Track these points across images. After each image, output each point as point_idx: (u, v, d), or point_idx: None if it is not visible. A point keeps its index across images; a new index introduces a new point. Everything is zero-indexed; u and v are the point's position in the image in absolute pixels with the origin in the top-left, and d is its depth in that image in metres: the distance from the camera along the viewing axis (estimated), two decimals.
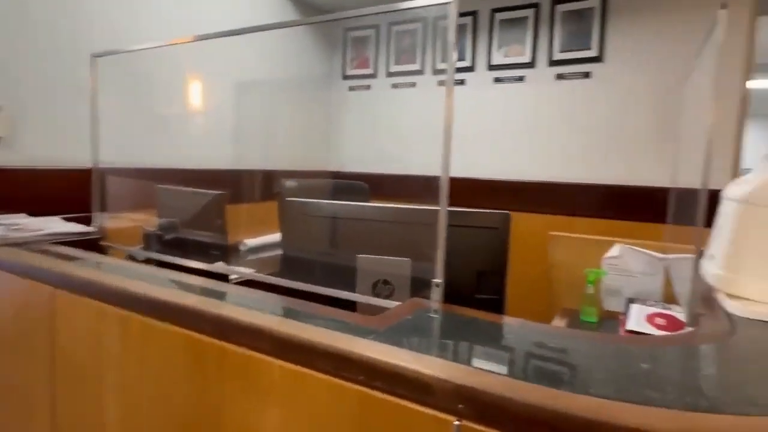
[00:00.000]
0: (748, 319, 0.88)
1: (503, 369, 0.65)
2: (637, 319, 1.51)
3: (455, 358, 0.68)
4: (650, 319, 1.53)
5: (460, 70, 2.84)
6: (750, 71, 2.24)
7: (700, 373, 0.69)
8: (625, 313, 1.52)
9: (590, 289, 1.60)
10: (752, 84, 2.27)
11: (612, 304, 1.66)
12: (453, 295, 0.95)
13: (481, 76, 2.81)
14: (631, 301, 1.55)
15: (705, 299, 1.00)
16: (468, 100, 2.83)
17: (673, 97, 2.29)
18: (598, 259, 1.65)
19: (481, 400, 0.58)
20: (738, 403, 0.57)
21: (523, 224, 2.45)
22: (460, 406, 0.59)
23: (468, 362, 0.66)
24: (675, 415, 0.51)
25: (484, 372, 0.62)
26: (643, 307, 1.54)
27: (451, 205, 0.93)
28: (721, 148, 2.16)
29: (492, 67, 2.79)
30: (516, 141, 2.72)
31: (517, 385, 0.59)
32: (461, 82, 2.84)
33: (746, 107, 2.21)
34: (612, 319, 1.65)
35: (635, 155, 2.40)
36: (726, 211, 1.01)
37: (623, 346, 0.74)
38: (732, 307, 0.92)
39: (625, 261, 1.70)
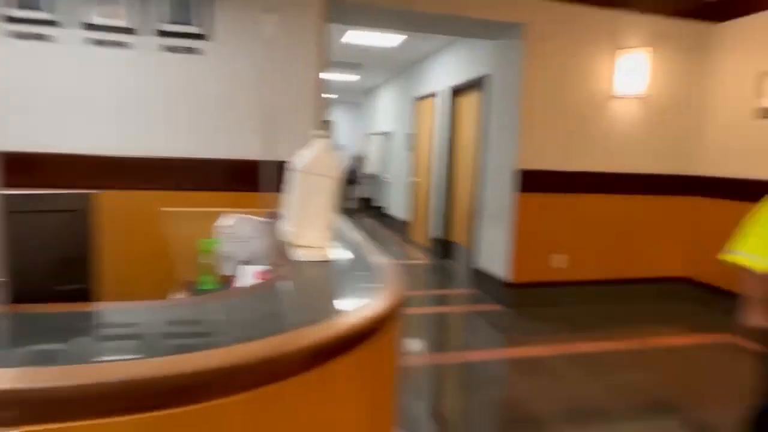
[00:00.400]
0: (309, 261, 1.15)
1: (59, 359, 0.62)
2: (246, 278, 1.70)
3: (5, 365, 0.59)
4: (259, 276, 1.76)
5: (40, 22, 2.33)
6: (325, 65, 2.80)
7: (262, 312, 0.85)
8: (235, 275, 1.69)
9: (204, 259, 1.69)
10: (328, 76, 2.85)
11: (228, 269, 1.81)
12: (29, 292, 0.82)
13: (73, 35, 2.40)
14: (244, 263, 1.73)
15: (285, 252, 1.23)
16: (58, 62, 2.38)
17: (265, 81, 2.61)
18: (210, 230, 1.75)
19: (37, 398, 0.53)
20: (282, 325, 0.73)
21: (130, 202, 2.31)
22: (12, 413, 0.53)
23: (20, 364, 0.60)
24: (228, 351, 0.62)
25: (35, 369, 0.57)
26: (254, 267, 1.75)
27: (34, 186, 0.78)
28: (302, 126, 2.62)
29: (88, 27, 2.42)
30: (119, 113, 2.48)
31: (71, 371, 0.56)
32: (41, 36, 2.33)
33: (320, 93, 2.76)
34: (229, 284, 1.79)
35: (239, 132, 2.63)
36: (292, 178, 1.26)
37: (204, 305, 0.83)
38: (299, 255, 1.17)
39: (238, 228, 1.87)
